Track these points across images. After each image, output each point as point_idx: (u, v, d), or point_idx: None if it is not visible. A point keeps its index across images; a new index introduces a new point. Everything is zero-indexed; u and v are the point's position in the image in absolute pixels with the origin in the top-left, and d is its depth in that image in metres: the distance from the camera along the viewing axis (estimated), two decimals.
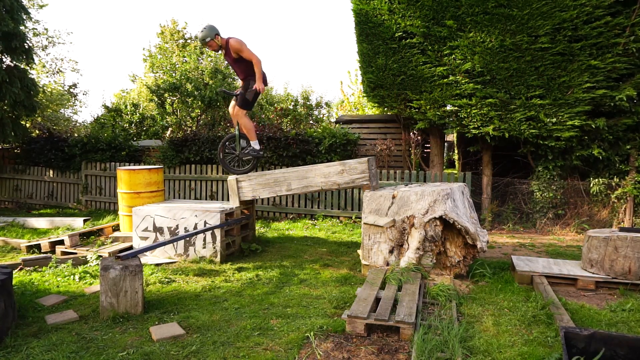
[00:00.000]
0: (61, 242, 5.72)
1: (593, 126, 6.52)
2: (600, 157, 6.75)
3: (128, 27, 50.11)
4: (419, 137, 8.29)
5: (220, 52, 5.46)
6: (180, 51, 14.38)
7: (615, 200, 6.88)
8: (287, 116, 11.28)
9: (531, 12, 6.29)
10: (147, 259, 5.22)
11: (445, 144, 10.86)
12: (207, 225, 5.14)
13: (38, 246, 5.76)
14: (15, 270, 4.79)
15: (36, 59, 13.26)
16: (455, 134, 9.89)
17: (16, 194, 10.11)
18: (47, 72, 14.63)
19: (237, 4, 64.58)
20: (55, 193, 9.85)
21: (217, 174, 8.70)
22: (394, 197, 4.57)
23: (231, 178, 5.63)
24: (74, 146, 9.50)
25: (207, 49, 5.67)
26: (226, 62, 5.64)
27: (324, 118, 15.97)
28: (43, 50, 14.35)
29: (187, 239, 5.24)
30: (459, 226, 4.20)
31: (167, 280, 4.46)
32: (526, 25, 6.38)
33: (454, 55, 7.00)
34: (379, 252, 4.57)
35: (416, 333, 2.91)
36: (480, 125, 7.05)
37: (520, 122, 6.78)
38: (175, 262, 5.19)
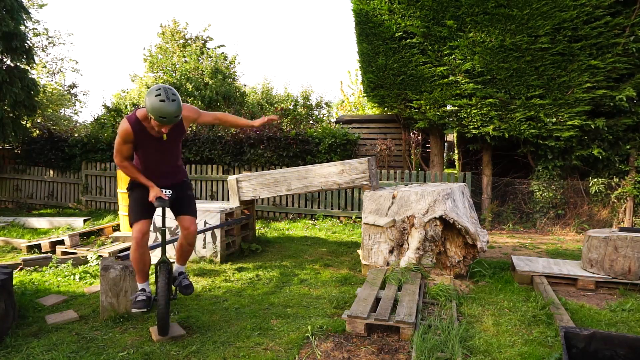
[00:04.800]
0: (61, 242, 5.72)
1: (593, 126, 6.52)
2: (600, 157, 6.75)
3: (128, 27, 50.13)
4: (419, 137, 8.29)
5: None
6: (180, 51, 14.38)
7: (615, 200, 6.88)
8: (287, 116, 11.28)
9: (531, 12, 6.29)
10: None
11: (445, 144, 10.86)
12: (207, 225, 5.14)
13: (38, 246, 5.76)
14: (16, 270, 4.79)
15: (36, 59, 13.28)
16: (455, 134, 9.89)
17: (16, 194, 10.11)
18: (48, 72, 14.65)
19: (237, 4, 64.64)
20: (56, 193, 9.85)
21: (217, 174, 8.71)
22: (394, 197, 4.57)
23: (231, 178, 5.63)
24: (74, 146, 9.51)
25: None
26: None
27: (324, 118, 15.97)
28: (43, 50, 14.39)
29: None
30: (459, 226, 4.20)
31: None
32: (526, 25, 6.38)
33: (454, 55, 7.00)
34: (379, 252, 4.57)
35: (416, 333, 2.91)
36: (480, 125, 7.05)
37: (520, 122, 6.78)
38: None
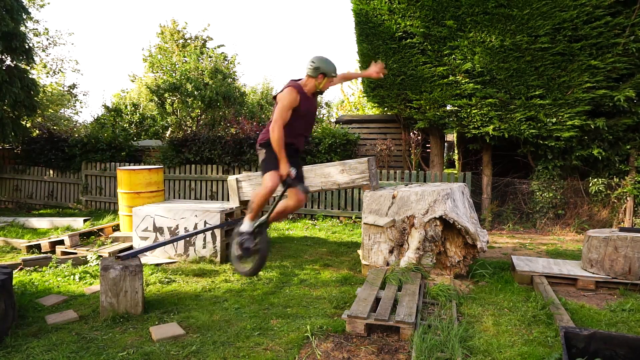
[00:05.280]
0: (61, 242, 5.72)
1: (593, 126, 6.51)
2: (600, 157, 6.74)
3: (128, 27, 50.13)
4: (419, 137, 8.28)
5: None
6: (180, 51, 14.39)
7: (615, 200, 6.87)
8: None
9: (531, 12, 6.29)
10: (147, 259, 5.22)
11: (445, 144, 10.86)
12: (207, 225, 5.14)
13: (38, 246, 5.76)
14: (16, 270, 4.79)
15: (37, 59, 13.28)
16: (455, 134, 9.89)
17: (16, 194, 10.10)
18: (48, 72, 14.66)
19: (237, 4, 64.62)
20: (55, 193, 9.85)
21: (217, 174, 8.70)
22: (394, 197, 4.57)
23: (231, 178, 5.63)
24: (74, 146, 9.50)
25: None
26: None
27: (324, 118, 15.98)
28: (44, 51, 14.39)
29: (187, 239, 5.24)
30: (459, 226, 4.20)
31: (167, 280, 4.46)
32: (526, 25, 6.38)
33: (454, 55, 7.00)
34: (379, 252, 4.57)
35: (416, 333, 2.91)
36: (480, 125, 7.05)
37: (520, 122, 6.78)
38: (175, 262, 5.20)
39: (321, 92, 3.81)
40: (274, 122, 3.49)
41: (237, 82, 14.59)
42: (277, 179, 3.53)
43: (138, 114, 13.17)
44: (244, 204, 5.79)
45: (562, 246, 6.10)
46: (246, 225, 3.72)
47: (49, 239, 5.90)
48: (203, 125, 11.65)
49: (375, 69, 4.00)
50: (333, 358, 2.81)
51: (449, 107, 7.40)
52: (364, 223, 4.68)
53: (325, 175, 5.18)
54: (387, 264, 4.50)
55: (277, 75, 38.06)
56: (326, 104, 17.11)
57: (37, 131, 10.59)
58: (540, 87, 6.59)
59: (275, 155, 3.54)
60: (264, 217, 3.79)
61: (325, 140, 8.09)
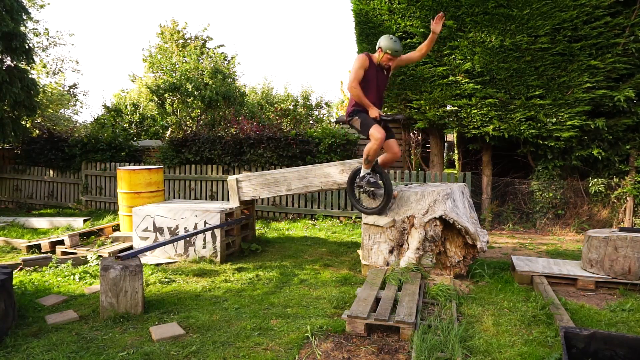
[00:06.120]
0: (61, 242, 5.72)
1: (593, 126, 6.51)
2: (600, 157, 6.74)
3: (128, 27, 50.12)
4: (419, 137, 8.29)
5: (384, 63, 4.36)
6: (180, 51, 14.39)
7: (615, 200, 6.87)
8: (287, 116, 11.28)
9: (531, 12, 6.29)
10: (147, 259, 5.22)
11: (445, 144, 10.86)
12: (207, 225, 5.14)
13: (38, 246, 5.76)
14: (16, 270, 4.79)
15: (37, 60, 13.28)
16: (455, 134, 9.89)
17: (16, 194, 10.11)
18: (48, 73, 14.66)
19: (238, 4, 64.59)
20: (56, 193, 9.85)
21: (217, 174, 8.70)
22: (394, 197, 4.57)
23: (231, 178, 5.63)
24: (74, 146, 9.50)
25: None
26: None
27: (324, 118, 15.99)
28: (44, 50, 14.38)
29: (187, 239, 5.24)
30: (459, 226, 4.20)
31: (167, 280, 4.46)
32: (526, 26, 6.38)
33: (454, 55, 7.00)
34: (379, 252, 4.57)
35: (416, 333, 2.91)
36: (480, 125, 7.05)
37: (520, 122, 6.78)
38: (175, 262, 5.20)
39: (385, 68, 4.37)
40: (350, 82, 4.18)
41: (237, 82, 14.59)
42: (381, 130, 4.11)
43: (138, 114, 13.18)
44: (244, 203, 5.79)
45: (562, 246, 6.10)
46: (364, 171, 4.40)
47: (49, 239, 5.90)
48: (203, 125, 11.66)
49: (435, 24, 4.26)
50: (333, 358, 2.81)
51: (449, 107, 7.40)
52: (364, 223, 4.68)
53: (325, 175, 5.18)
54: (387, 264, 4.50)
55: (277, 75, 38.07)
56: (326, 104, 17.12)
57: (37, 131, 10.59)
58: (540, 87, 6.59)
59: (366, 116, 4.23)
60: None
61: (325, 140, 8.09)
